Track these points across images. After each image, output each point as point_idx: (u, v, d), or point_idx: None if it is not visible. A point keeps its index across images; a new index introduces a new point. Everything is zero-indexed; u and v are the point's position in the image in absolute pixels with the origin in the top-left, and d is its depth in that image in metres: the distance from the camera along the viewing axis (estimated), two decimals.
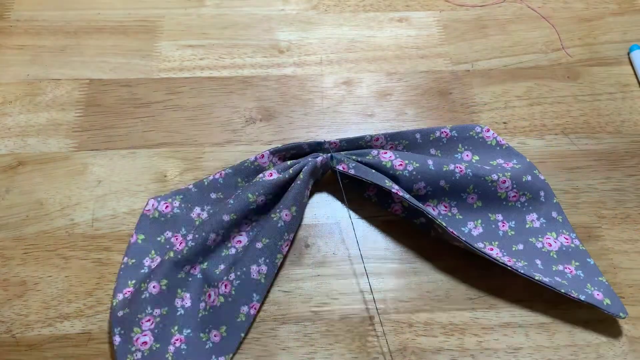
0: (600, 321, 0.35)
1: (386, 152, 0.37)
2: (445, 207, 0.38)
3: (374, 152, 0.37)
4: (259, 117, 0.43)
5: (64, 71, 0.45)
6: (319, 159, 0.37)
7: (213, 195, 0.38)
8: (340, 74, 0.46)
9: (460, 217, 0.38)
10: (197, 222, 0.37)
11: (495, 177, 0.37)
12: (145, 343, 0.32)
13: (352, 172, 0.37)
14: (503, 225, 0.38)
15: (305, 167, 0.36)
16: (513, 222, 0.38)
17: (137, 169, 0.40)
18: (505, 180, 0.37)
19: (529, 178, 0.38)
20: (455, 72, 0.46)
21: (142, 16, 0.48)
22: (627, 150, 0.42)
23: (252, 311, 0.34)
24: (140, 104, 0.43)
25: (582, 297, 0.34)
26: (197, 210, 0.37)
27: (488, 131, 0.40)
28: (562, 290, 0.34)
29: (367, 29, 0.49)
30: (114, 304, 0.34)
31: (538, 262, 0.36)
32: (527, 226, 0.38)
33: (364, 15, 0.49)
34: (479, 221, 0.38)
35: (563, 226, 0.38)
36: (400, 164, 0.36)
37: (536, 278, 0.34)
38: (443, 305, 0.36)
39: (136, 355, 0.32)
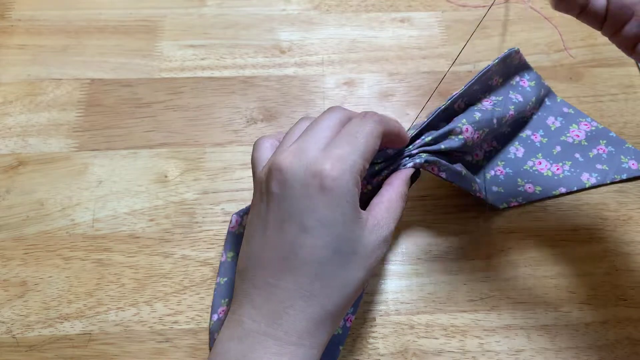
0: (602, 323, 0.35)
1: (467, 129, 0.34)
2: (488, 144, 0.41)
3: (455, 132, 0.34)
4: (260, 118, 0.43)
5: (65, 71, 0.45)
6: (411, 164, 0.32)
7: None
8: (342, 74, 0.46)
9: (500, 147, 0.41)
10: None
11: (527, 107, 0.41)
12: None
13: (443, 175, 0.34)
14: (535, 137, 0.42)
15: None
16: (541, 131, 0.42)
17: (138, 169, 0.40)
18: (529, 108, 0.41)
19: (542, 92, 0.43)
20: (457, 73, 0.46)
21: (144, 16, 0.48)
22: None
23: (348, 324, 0.33)
24: (141, 104, 0.43)
25: (624, 176, 0.40)
26: None
27: (518, 53, 0.40)
28: (608, 181, 0.40)
29: (369, 29, 0.48)
30: (211, 325, 0.33)
31: (577, 155, 0.41)
32: (552, 129, 0.42)
33: (365, 15, 0.49)
34: (517, 143, 0.41)
35: (578, 115, 0.43)
36: (478, 136, 0.36)
37: (583, 185, 0.40)
38: (444, 307, 0.35)
39: None
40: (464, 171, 0.35)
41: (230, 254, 0.35)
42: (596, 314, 0.35)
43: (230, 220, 0.36)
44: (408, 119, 0.43)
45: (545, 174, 0.40)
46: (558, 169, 0.40)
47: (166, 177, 0.40)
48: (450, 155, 0.36)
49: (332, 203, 0.24)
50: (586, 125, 0.42)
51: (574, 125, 0.42)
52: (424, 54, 0.47)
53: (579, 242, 0.38)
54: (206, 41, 0.47)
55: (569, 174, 0.40)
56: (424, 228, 0.38)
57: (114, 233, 0.37)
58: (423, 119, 0.35)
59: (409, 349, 0.34)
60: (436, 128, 0.34)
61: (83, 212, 0.38)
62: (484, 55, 0.47)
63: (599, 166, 0.40)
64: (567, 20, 0.49)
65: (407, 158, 0.32)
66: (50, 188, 0.39)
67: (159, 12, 0.48)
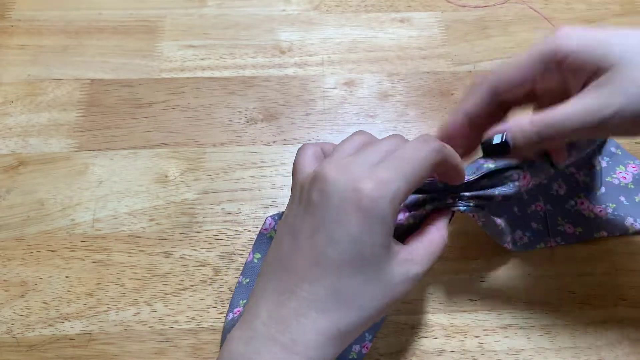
0: (602, 323, 0.35)
1: (526, 177, 0.31)
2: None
3: (513, 178, 0.31)
4: (260, 118, 0.43)
5: (65, 71, 0.45)
6: (456, 208, 0.30)
7: None
8: (342, 74, 0.46)
9: (545, 181, 0.38)
10: None
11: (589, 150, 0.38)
12: None
13: (480, 223, 0.32)
14: (578, 175, 0.39)
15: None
16: (584, 169, 0.39)
17: (138, 169, 0.40)
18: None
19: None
20: (457, 73, 0.46)
21: (144, 16, 0.48)
22: (629, 151, 0.42)
23: (364, 350, 0.33)
24: (141, 104, 0.43)
25: None
26: None
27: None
28: None
29: (368, 29, 0.48)
30: (225, 322, 0.33)
31: (622, 198, 0.38)
32: (598, 168, 0.39)
33: (365, 15, 0.49)
34: (560, 180, 0.39)
35: (625, 157, 0.40)
36: (533, 185, 0.33)
37: (627, 231, 0.37)
38: (444, 306, 0.35)
39: None
40: (502, 225, 0.33)
41: (258, 255, 0.35)
42: (596, 314, 0.35)
43: (264, 222, 0.35)
44: (408, 119, 0.43)
45: (586, 214, 0.38)
46: (601, 210, 0.38)
47: (166, 177, 0.40)
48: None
49: (365, 223, 0.24)
50: (634, 167, 0.40)
51: (620, 166, 0.40)
52: (423, 54, 0.47)
53: (579, 242, 0.38)
54: (206, 41, 0.47)
55: (612, 217, 0.38)
56: None
57: (114, 233, 0.38)
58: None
59: (409, 349, 0.34)
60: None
61: (83, 212, 0.38)
62: (483, 56, 0.47)
63: None
64: (567, 21, 0.49)
65: (457, 200, 0.30)
66: (50, 188, 0.39)
67: (159, 13, 0.48)
